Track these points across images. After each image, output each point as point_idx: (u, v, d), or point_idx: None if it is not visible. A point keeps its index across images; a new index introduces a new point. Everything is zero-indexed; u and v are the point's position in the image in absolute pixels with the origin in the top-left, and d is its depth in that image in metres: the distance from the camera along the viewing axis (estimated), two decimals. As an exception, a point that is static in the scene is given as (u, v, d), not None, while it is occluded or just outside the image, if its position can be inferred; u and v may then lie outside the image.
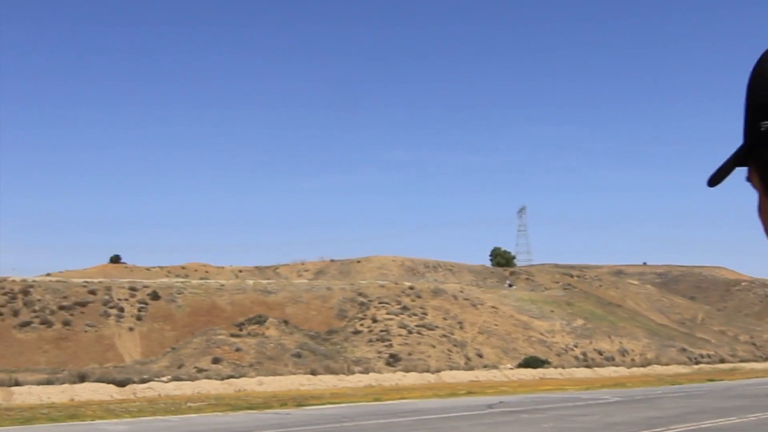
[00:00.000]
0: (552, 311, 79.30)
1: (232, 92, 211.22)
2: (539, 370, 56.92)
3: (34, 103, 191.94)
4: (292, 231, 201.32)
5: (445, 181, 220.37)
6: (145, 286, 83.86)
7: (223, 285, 79.53)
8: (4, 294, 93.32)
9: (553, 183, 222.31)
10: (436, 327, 67.01)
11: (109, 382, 41.02)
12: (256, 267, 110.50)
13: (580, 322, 78.05)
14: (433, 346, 63.12)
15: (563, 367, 59.71)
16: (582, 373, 58.35)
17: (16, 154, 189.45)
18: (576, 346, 71.46)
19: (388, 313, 67.46)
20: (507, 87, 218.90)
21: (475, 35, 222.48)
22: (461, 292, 78.47)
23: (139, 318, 79.00)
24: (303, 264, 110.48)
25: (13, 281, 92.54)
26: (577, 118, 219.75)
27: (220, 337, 59.09)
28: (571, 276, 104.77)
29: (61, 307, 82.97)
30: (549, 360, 61.79)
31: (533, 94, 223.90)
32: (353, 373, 50.57)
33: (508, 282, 70.37)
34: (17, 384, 41.46)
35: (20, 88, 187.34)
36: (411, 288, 75.69)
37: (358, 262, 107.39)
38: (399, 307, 69.24)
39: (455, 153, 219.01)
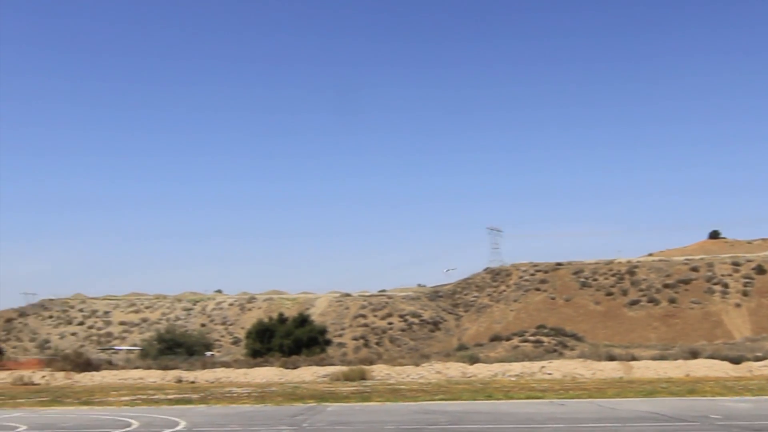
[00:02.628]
0: None
1: None
2: None
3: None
4: None
5: None
6: (749, 261, 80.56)
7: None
8: (613, 275, 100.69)
9: None
10: None
11: (722, 359, 40.80)
12: None
13: None
14: None
15: None
16: None
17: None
18: None
19: None
20: None
21: None
22: None
23: (745, 294, 76.30)
24: None
25: (620, 263, 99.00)
26: None
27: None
28: None
29: (665, 285, 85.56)
30: None
31: None
32: None
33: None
34: (634, 359, 44.38)
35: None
36: None
37: None
38: None
39: None
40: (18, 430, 17.47)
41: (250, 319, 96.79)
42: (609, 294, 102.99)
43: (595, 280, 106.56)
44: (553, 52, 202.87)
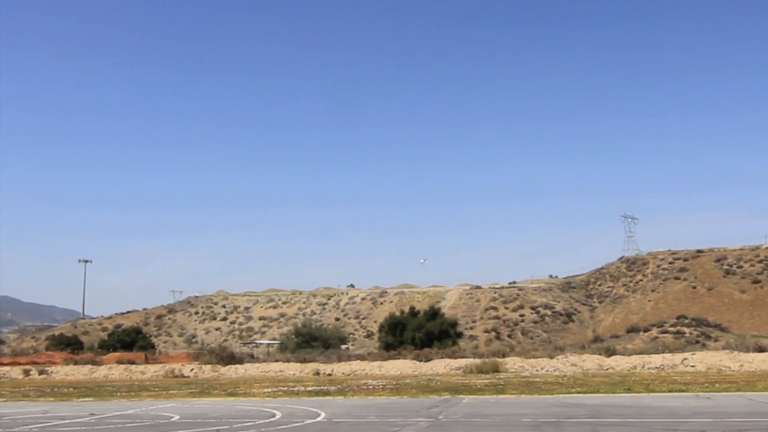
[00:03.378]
0: None
1: None
2: None
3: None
4: None
5: None
6: None
7: None
8: (760, 261, 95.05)
9: None
10: None
11: None
12: None
13: None
14: None
15: None
16: None
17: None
18: None
19: None
20: None
21: None
22: None
23: None
24: None
25: (767, 248, 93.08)
26: None
27: None
28: None
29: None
30: None
31: None
32: None
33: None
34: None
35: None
36: None
37: None
38: None
39: None
40: (172, 419, 18.63)
41: (382, 313, 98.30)
42: (756, 282, 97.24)
43: (740, 267, 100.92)
44: (687, 33, 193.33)
